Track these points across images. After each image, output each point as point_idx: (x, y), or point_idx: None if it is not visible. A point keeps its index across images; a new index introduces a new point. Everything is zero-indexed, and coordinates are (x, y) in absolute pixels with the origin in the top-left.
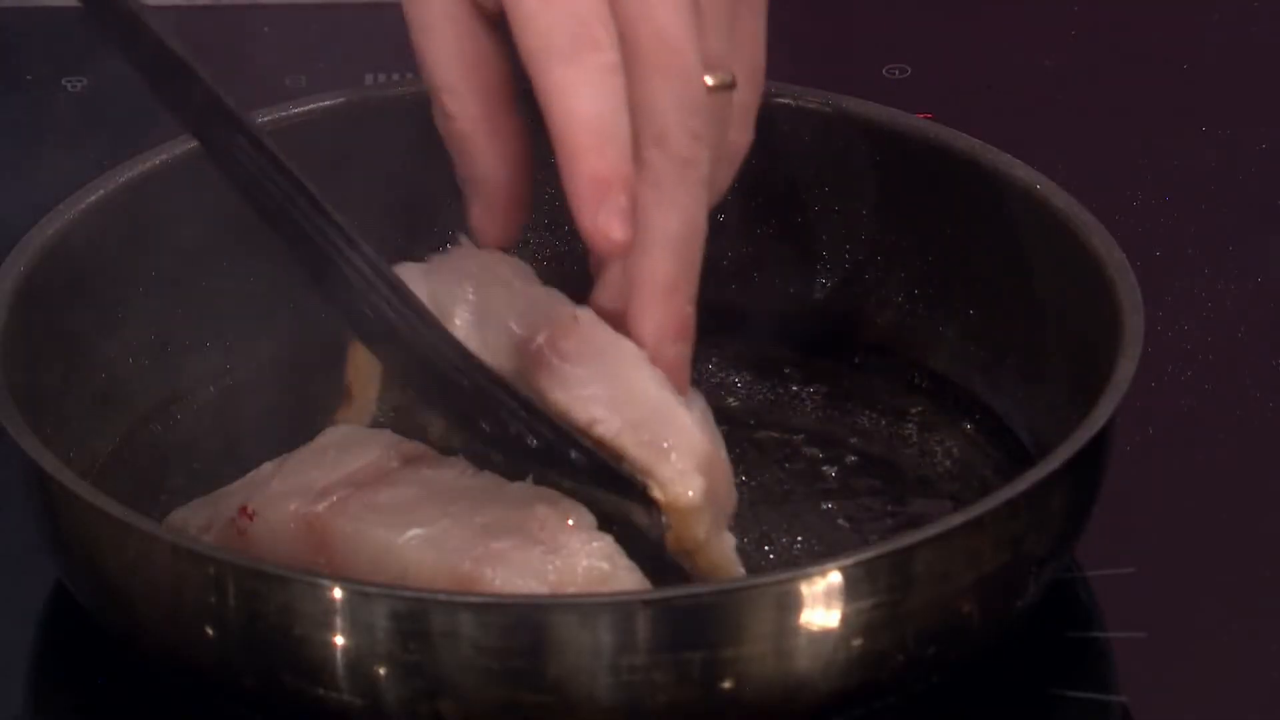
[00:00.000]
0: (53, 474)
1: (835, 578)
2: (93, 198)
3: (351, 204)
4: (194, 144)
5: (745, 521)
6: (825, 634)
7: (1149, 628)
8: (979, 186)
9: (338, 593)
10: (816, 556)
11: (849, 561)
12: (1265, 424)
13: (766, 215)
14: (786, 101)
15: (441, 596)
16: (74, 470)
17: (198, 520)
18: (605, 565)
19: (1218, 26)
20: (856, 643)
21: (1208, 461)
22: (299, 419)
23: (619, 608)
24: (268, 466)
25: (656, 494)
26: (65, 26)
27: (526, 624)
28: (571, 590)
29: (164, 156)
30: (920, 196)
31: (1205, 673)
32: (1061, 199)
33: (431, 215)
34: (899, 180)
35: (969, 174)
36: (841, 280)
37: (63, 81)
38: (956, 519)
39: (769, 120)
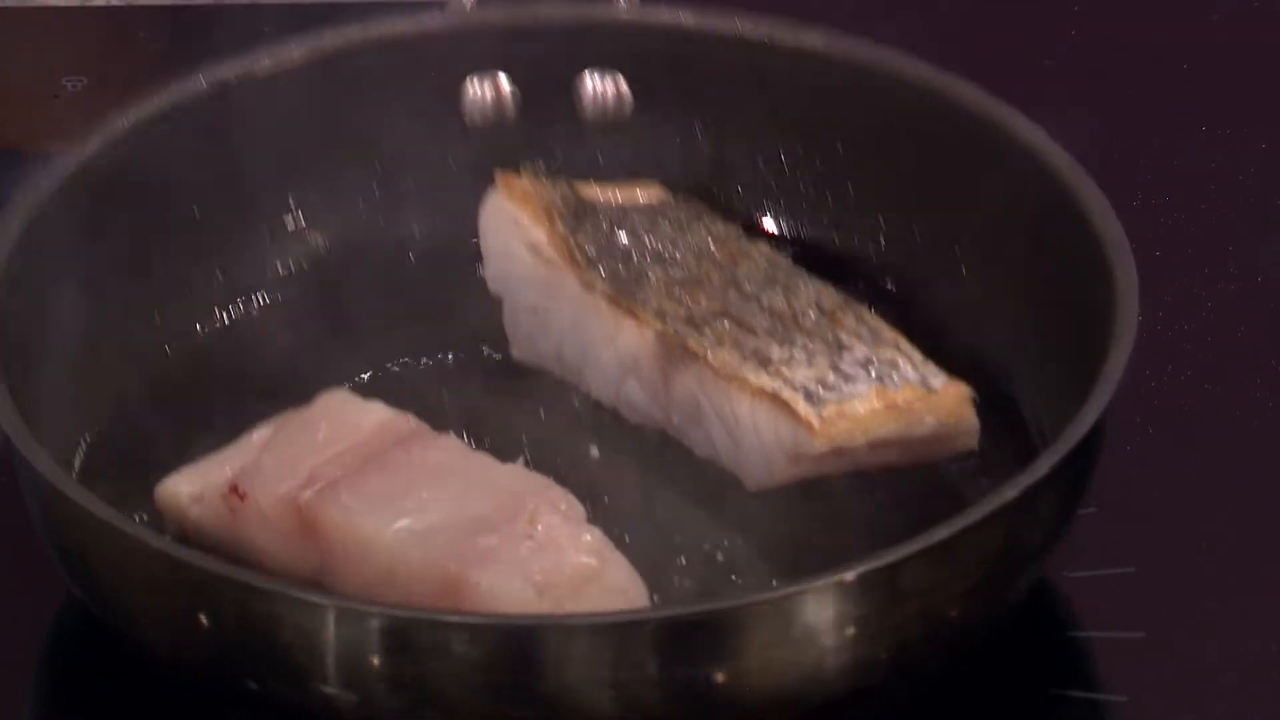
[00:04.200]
0: (45, 474)
1: (809, 600)
2: (65, 171)
3: (320, 156)
4: (155, 105)
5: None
6: (808, 651)
7: (1148, 627)
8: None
9: (318, 608)
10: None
11: (820, 584)
12: (1265, 424)
13: (762, 151)
14: (787, 41)
15: (423, 615)
16: (73, 431)
17: (189, 489)
18: (593, 561)
19: (1218, 26)
20: (839, 659)
21: (1207, 461)
22: (295, 377)
23: (599, 631)
24: (260, 433)
25: None
26: (65, 26)
27: (509, 644)
28: (560, 589)
29: (133, 116)
30: (916, 141)
31: (1204, 672)
32: (1063, 160)
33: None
34: (894, 123)
35: (973, 129)
36: (831, 224)
37: (63, 81)
38: (940, 533)
39: (770, 58)
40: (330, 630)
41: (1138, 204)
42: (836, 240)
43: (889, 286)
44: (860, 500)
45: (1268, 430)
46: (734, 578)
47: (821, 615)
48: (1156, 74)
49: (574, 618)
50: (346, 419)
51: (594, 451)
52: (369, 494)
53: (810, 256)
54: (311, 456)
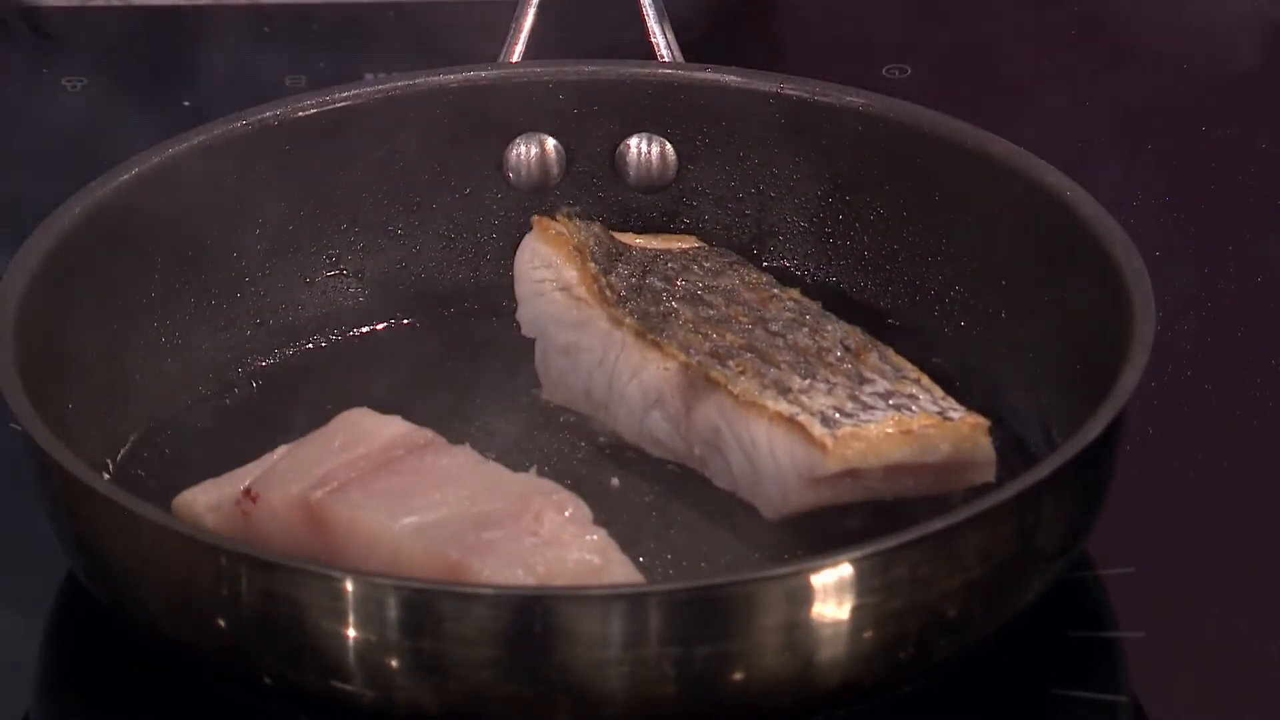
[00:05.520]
0: (65, 465)
1: (828, 576)
2: (101, 192)
3: (352, 201)
4: (195, 141)
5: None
6: (823, 629)
7: (1148, 627)
8: (1012, 190)
9: (320, 579)
10: (816, 551)
11: (835, 560)
12: (1265, 424)
13: (804, 210)
14: (829, 101)
15: (417, 585)
16: (93, 461)
17: (206, 499)
18: (596, 559)
19: (1218, 26)
20: (856, 638)
21: (1208, 461)
22: (318, 408)
23: (587, 601)
24: (281, 450)
25: None
26: (65, 26)
27: (517, 614)
28: (560, 582)
29: (171, 150)
30: (954, 197)
31: (1206, 672)
32: (1090, 207)
33: (432, 207)
34: (933, 180)
35: (1007, 179)
36: (859, 272)
37: (63, 81)
38: (961, 514)
39: (812, 118)
40: (344, 601)
41: (1137, 204)
42: (877, 300)
43: (921, 338)
44: (875, 530)
45: (1268, 430)
46: None
47: (829, 597)
48: (1156, 74)
49: (568, 589)
50: (364, 431)
51: (614, 481)
52: (379, 493)
53: (843, 307)
54: (326, 461)
